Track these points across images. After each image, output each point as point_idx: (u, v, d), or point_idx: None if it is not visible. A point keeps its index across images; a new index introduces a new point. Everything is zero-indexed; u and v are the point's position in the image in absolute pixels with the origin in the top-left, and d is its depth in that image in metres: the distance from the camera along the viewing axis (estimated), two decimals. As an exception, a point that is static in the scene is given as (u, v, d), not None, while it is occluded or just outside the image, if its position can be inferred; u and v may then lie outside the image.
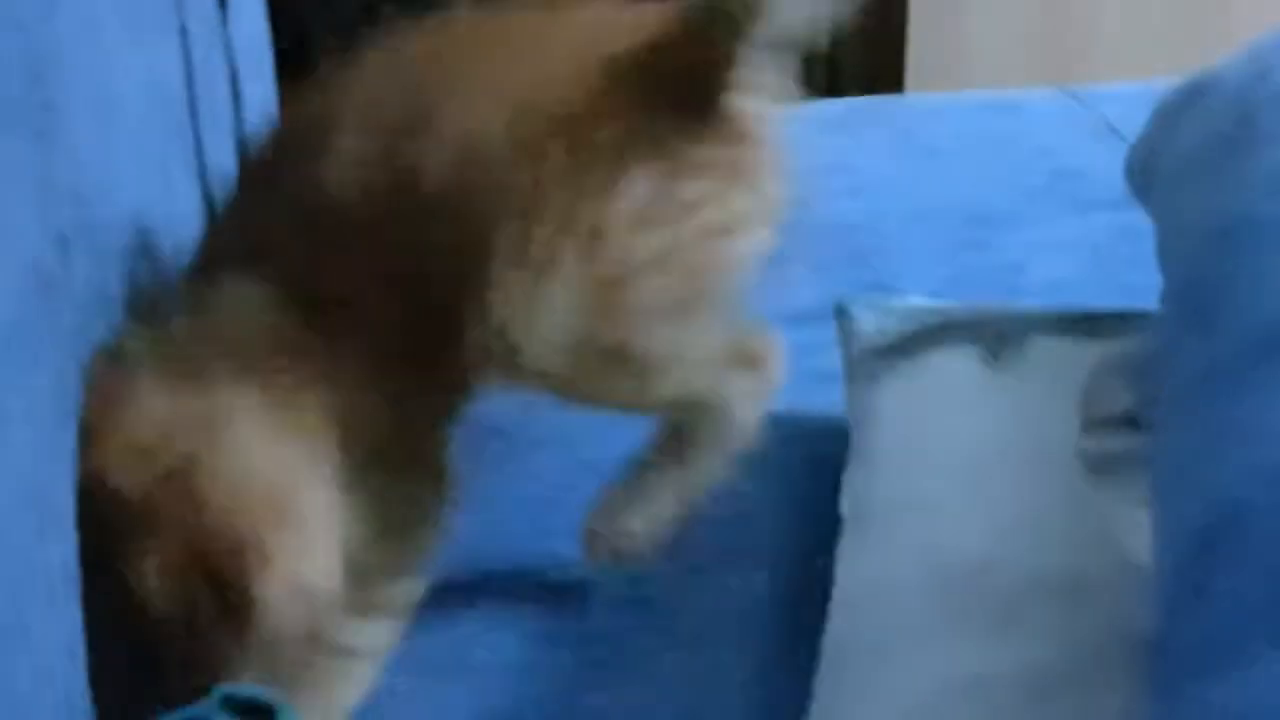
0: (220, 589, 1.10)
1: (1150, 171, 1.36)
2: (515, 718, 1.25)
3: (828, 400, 1.49)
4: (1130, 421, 1.28)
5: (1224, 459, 0.97)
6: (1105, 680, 1.07)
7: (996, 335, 1.40)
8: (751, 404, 1.28)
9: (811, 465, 1.44)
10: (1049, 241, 1.77)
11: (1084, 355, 1.37)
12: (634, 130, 1.16)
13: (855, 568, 1.28)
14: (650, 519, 1.28)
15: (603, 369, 1.19)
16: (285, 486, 1.16)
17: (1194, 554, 0.94)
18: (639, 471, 1.29)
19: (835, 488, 1.37)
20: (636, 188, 1.15)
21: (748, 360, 1.29)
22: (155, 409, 1.13)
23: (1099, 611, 1.15)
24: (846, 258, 1.70)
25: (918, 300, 1.49)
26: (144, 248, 1.27)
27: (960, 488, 1.29)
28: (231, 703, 1.12)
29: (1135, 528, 1.13)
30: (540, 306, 1.15)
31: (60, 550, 1.05)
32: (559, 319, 1.15)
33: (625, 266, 1.16)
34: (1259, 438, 0.95)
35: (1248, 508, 0.93)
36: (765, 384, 1.30)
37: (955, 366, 1.39)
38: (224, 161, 1.54)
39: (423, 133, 1.17)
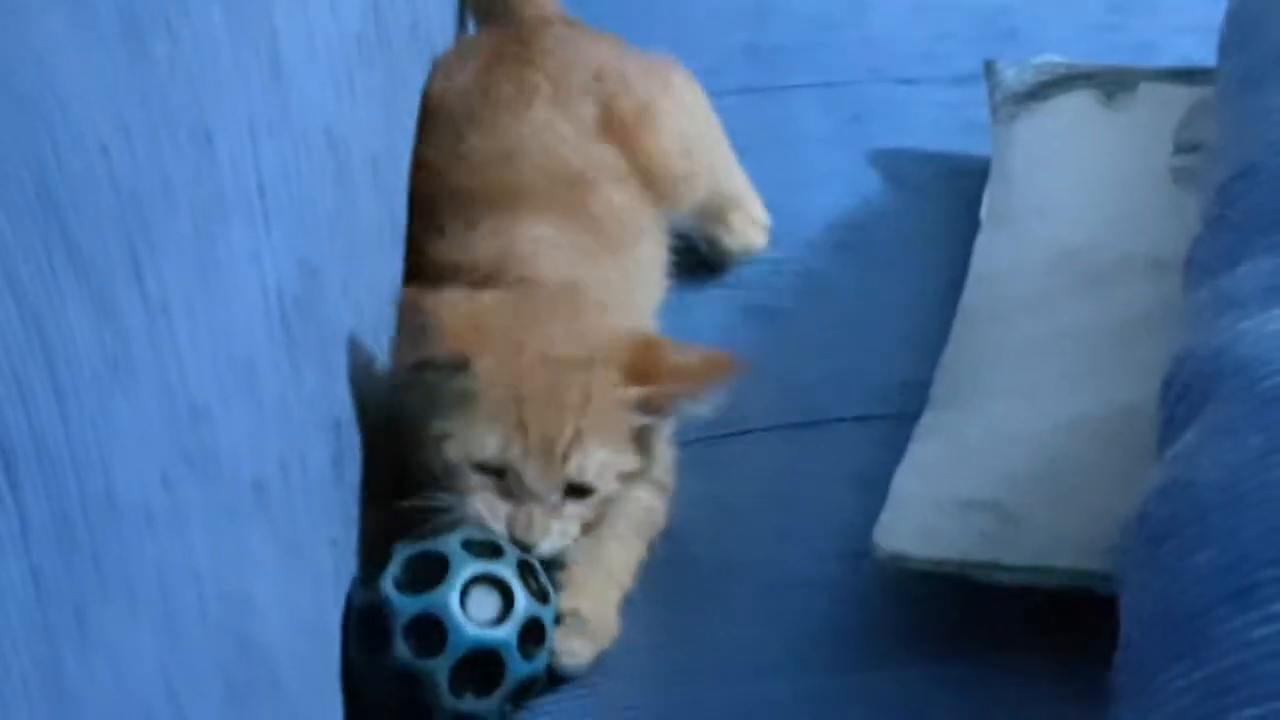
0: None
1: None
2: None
3: (978, 144, 1.83)
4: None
5: (1245, 135, 1.31)
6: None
7: (1113, 81, 1.73)
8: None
9: (960, 189, 1.79)
10: (1182, 25, 1.98)
11: (1182, 98, 1.69)
12: None
13: (988, 256, 1.64)
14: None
15: None
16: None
17: (1219, 197, 1.29)
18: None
19: (977, 203, 1.72)
20: None
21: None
22: None
23: (1174, 282, 1.48)
24: (997, 34, 2.02)
25: (1051, 57, 1.82)
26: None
27: (1076, 195, 1.64)
28: (470, 546, 1.31)
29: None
30: None
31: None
32: None
33: None
34: (1272, 121, 1.29)
35: (1259, 166, 1.27)
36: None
37: (1077, 105, 1.73)
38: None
39: None
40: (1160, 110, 1.69)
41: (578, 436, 1.35)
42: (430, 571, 1.28)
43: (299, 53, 1.22)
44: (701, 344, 1.46)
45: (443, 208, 1.57)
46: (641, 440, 1.40)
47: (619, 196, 1.63)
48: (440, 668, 1.26)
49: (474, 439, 1.34)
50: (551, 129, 1.63)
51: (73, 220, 0.83)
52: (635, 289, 1.60)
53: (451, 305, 1.39)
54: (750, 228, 1.77)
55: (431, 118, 1.66)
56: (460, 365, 1.34)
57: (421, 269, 1.54)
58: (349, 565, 1.31)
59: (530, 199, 1.56)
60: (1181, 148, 1.64)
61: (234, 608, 1.01)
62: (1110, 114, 1.72)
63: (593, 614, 1.36)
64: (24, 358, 0.77)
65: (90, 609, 0.81)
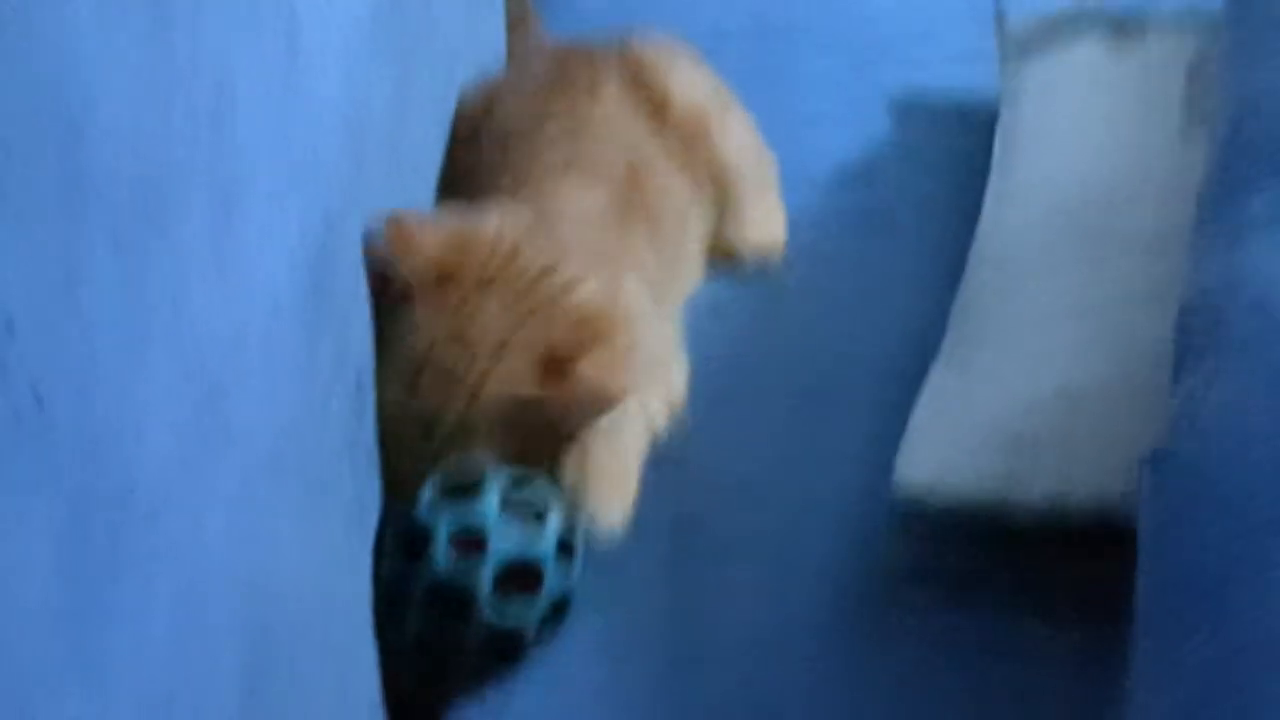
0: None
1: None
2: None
3: (987, 87, 1.84)
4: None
5: (1254, 71, 1.33)
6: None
7: (1122, 25, 1.74)
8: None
9: (969, 132, 1.81)
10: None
11: (1192, 40, 1.70)
12: None
13: (998, 200, 1.65)
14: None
15: None
16: None
17: (1230, 133, 1.31)
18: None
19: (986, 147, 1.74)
20: None
21: None
22: None
23: (1184, 214, 1.46)
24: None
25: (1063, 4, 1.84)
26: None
27: (1085, 136, 1.65)
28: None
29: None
30: None
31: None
32: None
33: None
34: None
35: (1268, 102, 1.29)
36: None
37: (1087, 50, 1.74)
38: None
39: None
40: (1170, 54, 1.70)
41: (460, 427, 1.37)
42: (466, 489, 1.32)
43: (315, 29, 1.22)
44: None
45: (507, 161, 1.59)
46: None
47: (672, 187, 1.64)
48: (483, 576, 1.29)
49: (379, 384, 1.36)
50: (619, 114, 1.65)
51: (101, 189, 0.83)
52: (671, 273, 1.61)
53: (432, 229, 1.40)
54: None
55: (503, 98, 1.69)
56: (404, 296, 1.36)
57: None
58: (370, 521, 1.33)
59: (590, 170, 1.59)
60: (1193, 87, 1.65)
61: (252, 579, 1.03)
62: (1119, 58, 1.73)
63: (617, 482, 1.40)
64: (55, 320, 0.78)
65: (107, 589, 0.82)
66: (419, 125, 1.59)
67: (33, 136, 0.77)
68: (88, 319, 0.81)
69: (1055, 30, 1.78)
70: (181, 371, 0.93)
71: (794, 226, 1.75)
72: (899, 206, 1.79)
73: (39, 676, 0.75)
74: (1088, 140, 1.64)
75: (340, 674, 1.24)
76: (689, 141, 1.67)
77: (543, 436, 1.37)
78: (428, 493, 1.32)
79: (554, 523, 1.32)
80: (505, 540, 1.30)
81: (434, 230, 1.40)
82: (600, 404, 1.37)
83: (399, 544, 1.31)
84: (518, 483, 1.33)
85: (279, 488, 1.09)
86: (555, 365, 1.37)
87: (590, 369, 1.37)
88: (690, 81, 1.71)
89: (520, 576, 1.30)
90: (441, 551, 1.29)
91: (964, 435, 1.39)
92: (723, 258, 1.70)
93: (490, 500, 1.31)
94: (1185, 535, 1.11)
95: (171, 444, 0.91)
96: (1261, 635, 0.99)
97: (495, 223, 1.44)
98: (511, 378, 1.37)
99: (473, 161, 1.63)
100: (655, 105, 1.66)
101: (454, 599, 1.29)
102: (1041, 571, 1.35)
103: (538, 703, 1.33)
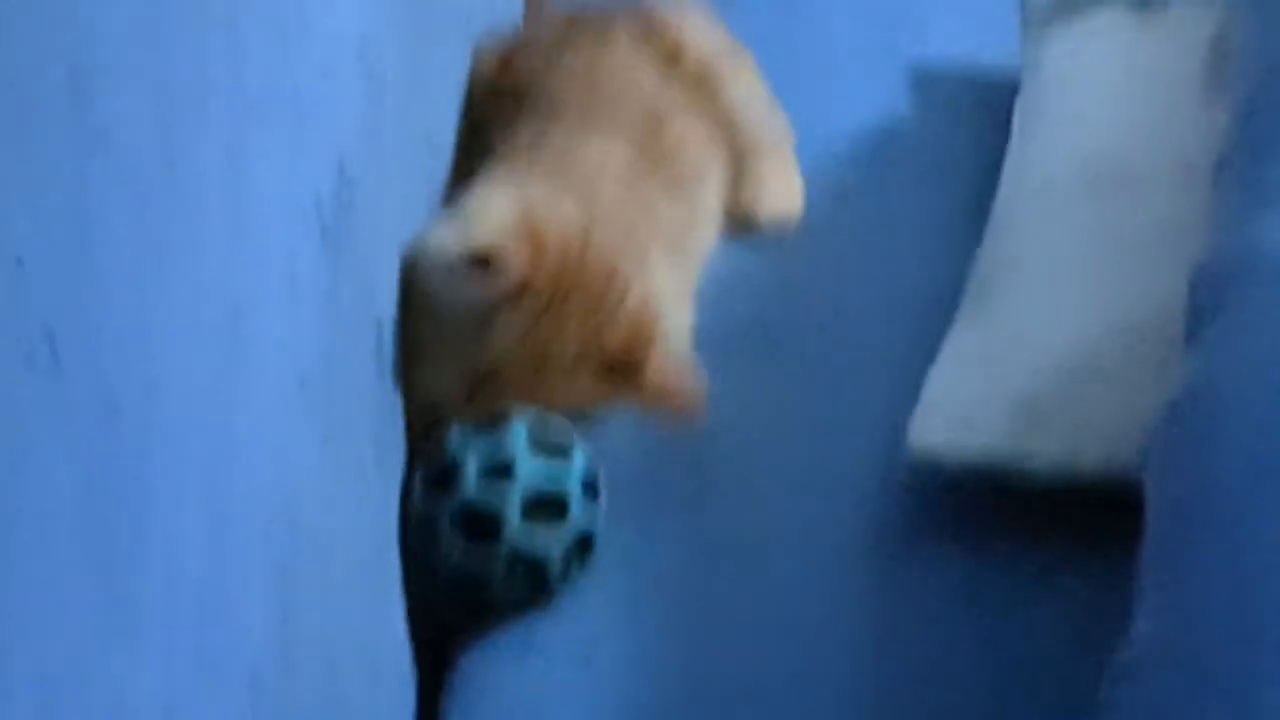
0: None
1: None
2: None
3: (1008, 56, 1.84)
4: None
5: (1270, 46, 1.33)
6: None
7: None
8: None
9: (990, 100, 1.81)
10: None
11: (1215, 11, 1.69)
12: None
13: (1019, 165, 1.66)
14: None
15: None
16: None
17: (1250, 98, 1.31)
18: None
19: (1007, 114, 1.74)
20: None
21: None
22: None
23: (1203, 187, 1.48)
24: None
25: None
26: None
27: (1107, 104, 1.65)
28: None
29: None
30: None
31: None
32: None
33: None
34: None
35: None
36: None
37: (1110, 16, 1.74)
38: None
39: None
40: (1193, 23, 1.70)
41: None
42: (493, 423, 1.36)
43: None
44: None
45: (522, 115, 1.59)
46: None
47: (691, 136, 1.64)
48: (511, 501, 1.32)
49: (427, 374, 1.37)
50: (633, 63, 1.65)
51: (111, 115, 0.84)
52: (692, 229, 1.61)
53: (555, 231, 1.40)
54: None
55: (517, 56, 1.69)
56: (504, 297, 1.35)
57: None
58: (395, 464, 1.34)
59: (608, 121, 1.58)
60: (1216, 57, 1.64)
61: (280, 496, 1.04)
62: (1143, 24, 1.72)
63: None
64: (69, 252, 0.79)
65: (136, 495, 0.83)
66: (436, 79, 1.60)
67: (40, 75, 0.78)
68: (98, 255, 0.81)
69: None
70: (200, 294, 0.93)
71: (811, 193, 1.74)
72: (917, 174, 1.79)
73: (73, 620, 0.76)
74: (1109, 109, 1.65)
75: (368, 608, 1.27)
76: (701, 93, 1.67)
77: None
78: (455, 430, 1.36)
79: (579, 460, 1.36)
80: (533, 472, 1.34)
81: (555, 232, 1.39)
82: (674, 407, 1.39)
83: (429, 477, 1.35)
84: (542, 421, 1.36)
85: (305, 418, 1.10)
86: (620, 373, 1.39)
87: (656, 375, 1.39)
88: (703, 34, 1.72)
89: (547, 507, 1.34)
90: (471, 480, 1.33)
91: (978, 397, 1.40)
92: (739, 224, 1.70)
93: (518, 434, 1.34)
94: (1197, 487, 1.12)
95: (195, 368, 0.92)
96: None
97: (566, 221, 1.42)
98: (579, 390, 1.40)
99: (488, 118, 1.62)
100: (668, 55, 1.67)
101: (484, 520, 1.33)
102: (1056, 524, 1.35)
103: (557, 650, 1.36)
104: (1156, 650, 1.05)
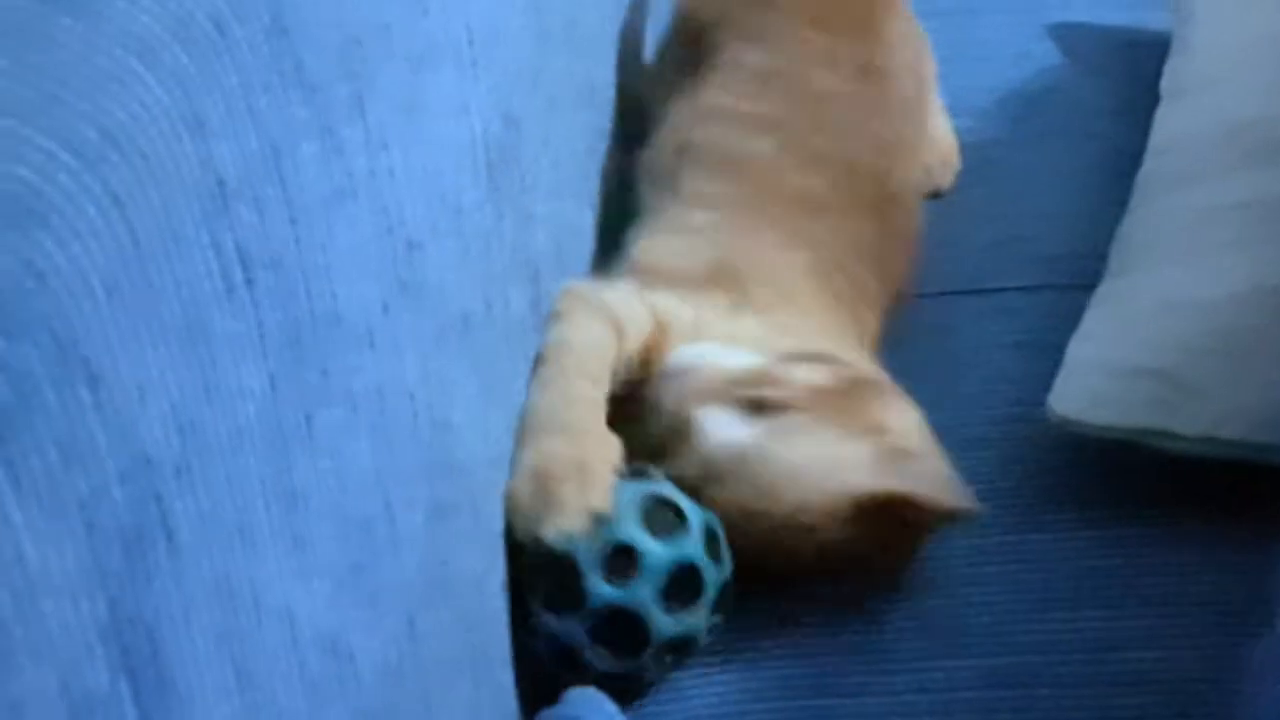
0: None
1: None
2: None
3: (1156, 18, 1.85)
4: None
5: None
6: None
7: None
8: None
9: (1137, 62, 1.81)
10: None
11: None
12: None
13: (1167, 127, 1.66)
14: None
15: None
16: None
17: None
18: None
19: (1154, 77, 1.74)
20: None
21: None
22: None
23: None
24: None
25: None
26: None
27: (1255, 67, 1.65)
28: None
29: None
30: None
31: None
32: None
33: None
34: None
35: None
36: None
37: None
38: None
39: None
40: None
41: None
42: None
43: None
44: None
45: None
46: None
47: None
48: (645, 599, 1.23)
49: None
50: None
51: (305, 55, 0.88)
52: (889, 259, 1.55)
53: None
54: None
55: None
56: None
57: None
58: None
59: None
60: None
61: (441, 430, 1.07)
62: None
63: None
64: (263, 181, 0.83)
65: (317, 415, 0.87)
66: (596, 31, 1.62)
67: (248, 18, 0.82)
68: (289, 187, 0.85)
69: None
70: (379, 229, 0.97)
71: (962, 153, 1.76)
72: (1063, 135, 1.80)
73: (253, 542, 0.80)
74: (1262, 74, 1.64)
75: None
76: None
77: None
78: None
79: (694, 521, 1.26)
80: (660, 557, 1.23)
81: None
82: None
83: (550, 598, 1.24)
84: (649, 498, 1.26)
85: (465, 351, 1.13)
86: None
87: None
88: None
89: (682, 588, 1.24)
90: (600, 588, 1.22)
91: (1121, 365, 1.40)
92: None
93: (630, 519, 1.23)
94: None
95: (374, 288, 0.96)
96: None
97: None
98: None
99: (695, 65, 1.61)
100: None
101: (627, 628, 1.23)
102: (1196, 495, 1.35)
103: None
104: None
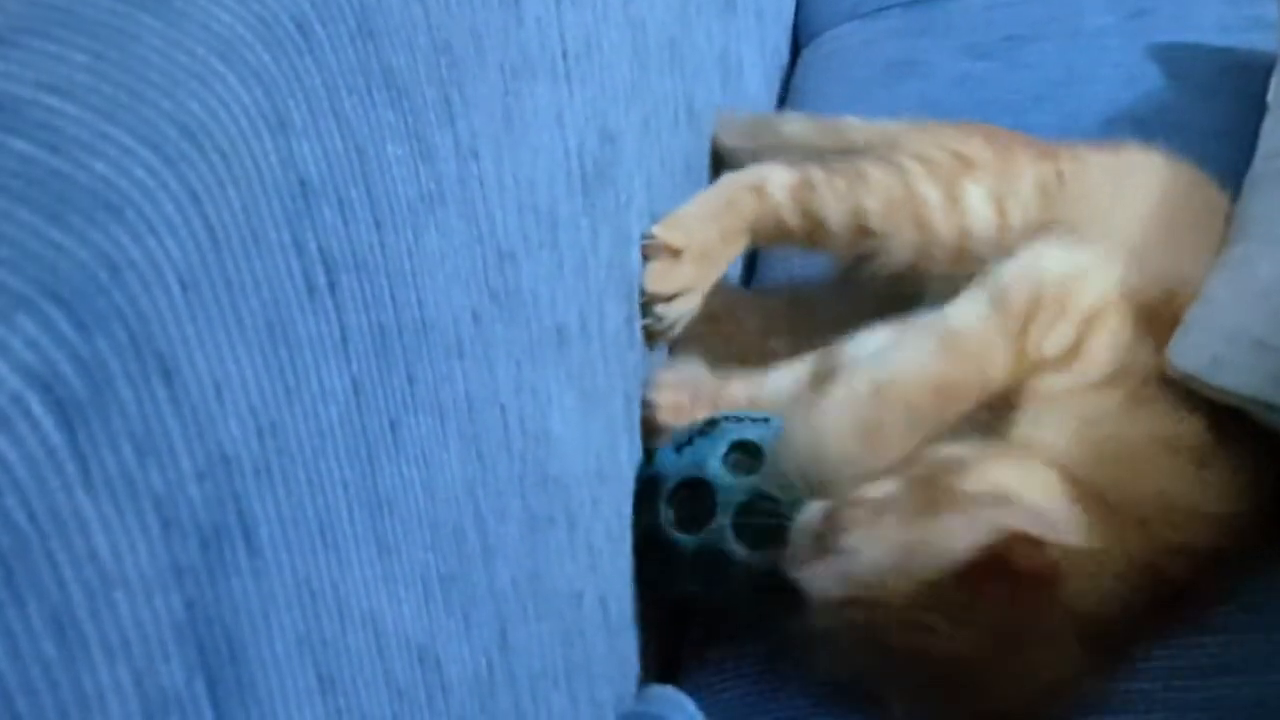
0: None
1: None
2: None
3: (1263, 40, 1.82)
4: None
5: None
6: None
7: None
8: None
9: (1244, 84, 1.78)
10: None
11: None
12: None
13: (1274, 136, 1.62)
14: None
15: None
16: None
17: None
18: None
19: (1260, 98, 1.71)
20: None
21: None
22: None
23: None
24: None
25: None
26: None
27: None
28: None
29: None
30: None
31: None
32: None
33: None
34: None
35: None
36: None
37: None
38: None
39: None
40: None
41: None
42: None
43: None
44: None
45: None
46: None
47: None
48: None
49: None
50: None
51: (392, 59, 0.88)
52: None
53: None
54: None
55: None
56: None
57: None
58: (639, 422, 1.36)
59: None
60: None
61: (535, 441, 1.06)
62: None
63: None
64: (347, 183, 0.82)
65: (403, 421, 0.86)
66: (696, 53, 1.61)
67: (334, 21, 0.82)
68: (376, 191, 0.85)
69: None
70: (471, 238, 0.97)
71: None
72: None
73: (339, 548, 0.79)
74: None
75: (611, 569, 1.26)
76: None
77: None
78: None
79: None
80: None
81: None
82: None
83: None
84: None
85: (560, 364, 1.12)
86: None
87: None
88: None
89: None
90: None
91: (1239, 335, 1.37)
92: None
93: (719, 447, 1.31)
94: None
95: (464, 296, 0.95)
96: None
97: None
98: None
99: None
100: None
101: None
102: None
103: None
104: None
